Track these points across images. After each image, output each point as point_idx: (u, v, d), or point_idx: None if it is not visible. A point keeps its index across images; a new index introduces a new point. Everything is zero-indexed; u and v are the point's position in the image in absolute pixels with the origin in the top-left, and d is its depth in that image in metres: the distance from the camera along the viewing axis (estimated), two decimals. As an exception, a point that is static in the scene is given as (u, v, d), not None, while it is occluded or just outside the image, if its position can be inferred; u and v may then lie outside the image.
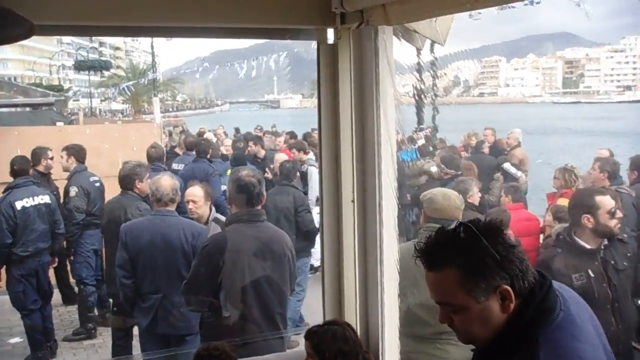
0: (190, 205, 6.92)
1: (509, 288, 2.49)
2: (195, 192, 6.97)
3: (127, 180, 8.02)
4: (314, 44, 4.19)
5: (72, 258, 10.05)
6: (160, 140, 14.45)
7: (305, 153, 14.09)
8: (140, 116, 51.06)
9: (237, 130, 26.91)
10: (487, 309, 2.50)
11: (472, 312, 2.50)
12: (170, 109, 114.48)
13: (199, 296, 5.61)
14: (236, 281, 5.41)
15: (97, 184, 10.01)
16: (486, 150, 15.12)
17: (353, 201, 4.26)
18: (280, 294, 5.55)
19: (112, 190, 9.06)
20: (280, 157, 12.71)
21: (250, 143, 16.05)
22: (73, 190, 9.80)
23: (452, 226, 2.56)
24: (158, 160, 11.38)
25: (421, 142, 14.60)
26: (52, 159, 10.64)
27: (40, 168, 10.51)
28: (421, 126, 17.62)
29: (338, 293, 4.43)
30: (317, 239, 11.66)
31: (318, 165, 4.36)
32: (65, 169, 10.15)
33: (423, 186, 10.09)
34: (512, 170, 13.06)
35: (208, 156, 13.09)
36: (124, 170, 8.11)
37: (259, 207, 5.58)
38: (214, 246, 5.50)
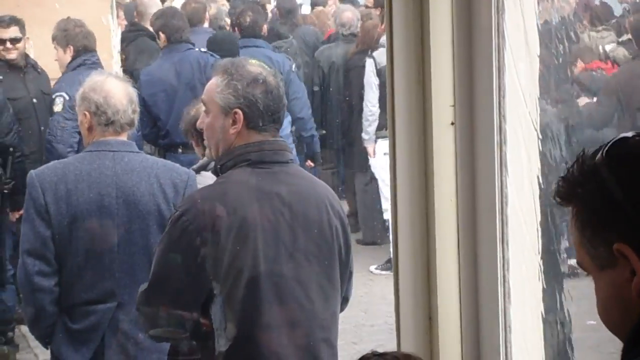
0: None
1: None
2: None
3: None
4: None
5: None
6: (112, 14, 8.69)
7: None
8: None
9: None
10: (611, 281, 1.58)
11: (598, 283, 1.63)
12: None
13: (171, 310, 3.37)
14: (241, 282, 3.31)
15: None
16: None
17: (453, 124, 2.35)
18: (326, 304, 3.45)
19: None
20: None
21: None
22: None
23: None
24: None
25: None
26: None
27: None
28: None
29: (426, 301, 2.51)
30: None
31: (387, 51, 2.39)
32: None
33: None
34: None
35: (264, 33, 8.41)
36: None
37: (279, 136, 3.52)
38: (197, 214, 3.35)
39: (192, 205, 3.41)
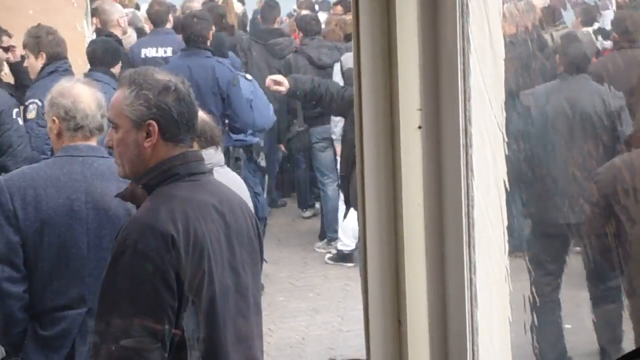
0: None
1: None
2: None
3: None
4: None
5: None
6: (87, 20, 8.92)
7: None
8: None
9: None
10: None
11: None
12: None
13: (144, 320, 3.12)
14: (201, 299, 3.22)
15: None
16: None
17: (420, 127, 2.30)
18: (258, 315, 3.48)
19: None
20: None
21: None
22: None
23: None
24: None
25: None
26: None
27: None
28: None
29: (395, 305, 2.44)
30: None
31: (354, 56, 2.37)
32: None
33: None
34: None
35: (209, 43, 8.07)
36: None
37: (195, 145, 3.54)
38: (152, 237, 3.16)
39: (142, 229, 3.21)
